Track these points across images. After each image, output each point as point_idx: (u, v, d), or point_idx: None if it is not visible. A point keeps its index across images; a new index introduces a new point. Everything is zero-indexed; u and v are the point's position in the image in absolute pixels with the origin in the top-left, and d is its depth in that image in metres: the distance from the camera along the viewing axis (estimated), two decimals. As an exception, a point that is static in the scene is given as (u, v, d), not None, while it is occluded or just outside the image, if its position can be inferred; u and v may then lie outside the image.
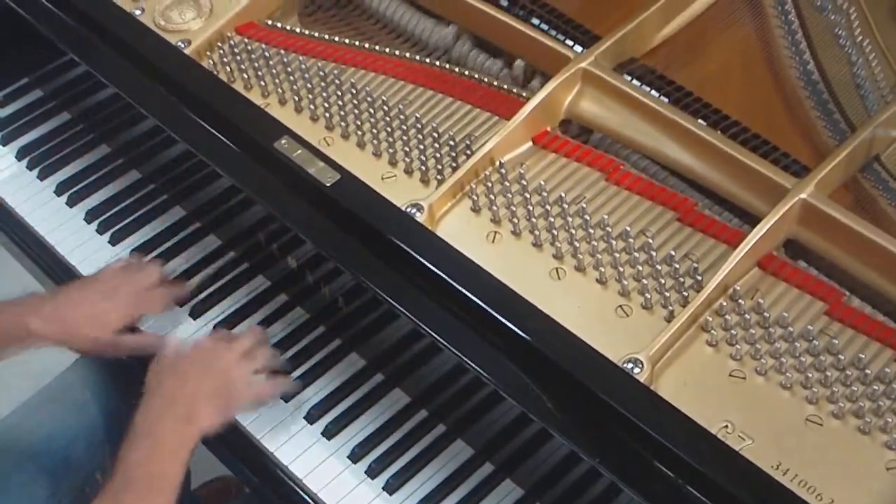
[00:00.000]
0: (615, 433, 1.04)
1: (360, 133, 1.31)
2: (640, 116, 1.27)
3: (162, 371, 1.22)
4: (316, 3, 1.55)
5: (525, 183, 1.24)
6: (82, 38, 1.43)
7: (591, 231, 1.20)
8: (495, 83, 1.35)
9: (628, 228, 1.18)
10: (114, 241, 1.49)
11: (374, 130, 1.31)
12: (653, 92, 1.31)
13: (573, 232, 1.20)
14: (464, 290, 1.13)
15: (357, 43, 1.43)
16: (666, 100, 1.30)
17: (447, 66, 1.38)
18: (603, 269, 1.16)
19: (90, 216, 1.52)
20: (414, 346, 1.26)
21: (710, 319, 1.13)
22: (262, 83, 1.38)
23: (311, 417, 1.30)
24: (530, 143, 1.29)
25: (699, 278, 1.14)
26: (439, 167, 1.26)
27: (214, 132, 1.31)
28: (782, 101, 1.32)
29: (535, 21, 1.40)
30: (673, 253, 1.16)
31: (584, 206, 1.21)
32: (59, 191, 1.55)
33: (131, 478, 1.14)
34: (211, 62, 1.42)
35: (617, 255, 1.17)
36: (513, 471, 1.24)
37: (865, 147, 1.23)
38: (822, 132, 1.28)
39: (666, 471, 1.02)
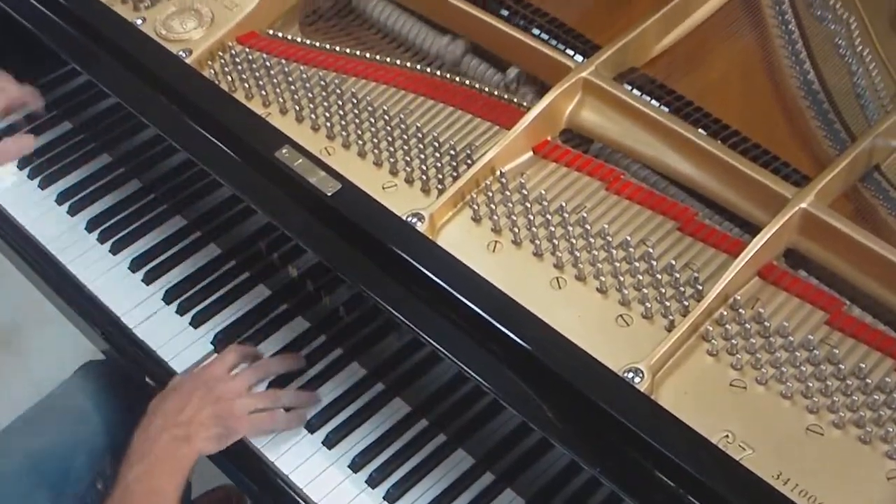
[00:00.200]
0: (616, 443, 1.04)
1: (361, 142, 1.31)
2: (640, 126, 1.27)
3: (167, 390, 1.24)
4: (317, 13, 1.55)
5: (526, 192, 1.24)
6: (83, 48, 1.43)
7: (592, 240, 1.20)
8: (496, 93, 1.35)
9: (629, 238, 1.18)
10: (115, 251, 1.49)
11: (375, 140, 1.31)
12: (653, 101, 1.31)
13: (574, 241, 1.20)
14: (464, 300, 1.13)
15: (358, 52, 1.43)
16: (666, 109, 1.30)
17: (448, 75, 1.38)
18: (603, 279, 1.16)
19: (91, 225, 1.52)
20: (415, 355, 1.26)
21: (711, 329, 1.12)
22: (264, 93, 1.38)
23: (311, 427, 1.30)
24: (531, 153, 1.29)
25: (700, 288, 1.14)
26: (440, 177, 1.26)
27: (216, 141, 1.31)
28: (783, 110, 1.32)
29: (536, 31, 1.40)
30: (673, 262, 1.16)
31: (585, 215, 1.21)
32: (61, 200, 1.55)
33: (130, 493, 1.15)
34: (212, 72, 1.42)
35: (617, 264, 1.17)
36: (513, 480, 1.24)
37: (866, 156, 1.23)
38: (822, 142, 1.28)
39: (667, 480, 1.01)
